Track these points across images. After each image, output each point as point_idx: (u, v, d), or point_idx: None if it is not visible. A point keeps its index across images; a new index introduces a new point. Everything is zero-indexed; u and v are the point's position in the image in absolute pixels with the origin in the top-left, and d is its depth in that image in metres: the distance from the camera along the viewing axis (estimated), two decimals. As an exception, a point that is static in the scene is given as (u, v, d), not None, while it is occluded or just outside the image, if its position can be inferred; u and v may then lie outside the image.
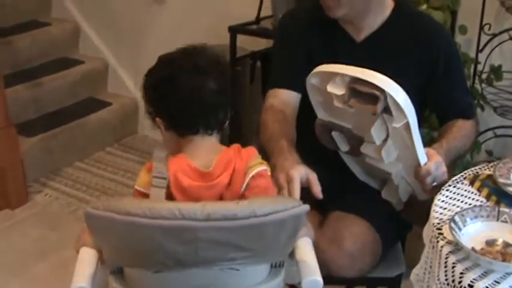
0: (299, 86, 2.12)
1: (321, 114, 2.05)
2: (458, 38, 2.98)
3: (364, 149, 1.96)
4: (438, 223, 1.70)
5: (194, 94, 1.62)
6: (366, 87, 1.81)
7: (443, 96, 2.18)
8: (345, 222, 2.09)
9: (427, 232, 1.74)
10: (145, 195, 1.65)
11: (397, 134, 1.84)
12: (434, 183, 1.89)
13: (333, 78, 1.91)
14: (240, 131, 3.21)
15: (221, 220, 1.38)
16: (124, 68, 4.64)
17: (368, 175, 2.18)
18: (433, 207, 1.78)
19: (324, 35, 2.19)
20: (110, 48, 4.71)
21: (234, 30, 3.33)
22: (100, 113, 4.38)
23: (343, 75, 1.87)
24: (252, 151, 1.72)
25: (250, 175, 1.67)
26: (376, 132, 1.87)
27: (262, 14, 3.49)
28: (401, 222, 2.21)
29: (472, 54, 3.00)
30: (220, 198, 1.65)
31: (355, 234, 2.06)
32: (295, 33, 2.26)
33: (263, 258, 1.60)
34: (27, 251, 3.33)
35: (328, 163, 2.12)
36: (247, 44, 3.52)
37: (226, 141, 1.79)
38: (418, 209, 2.08)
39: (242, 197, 1.66)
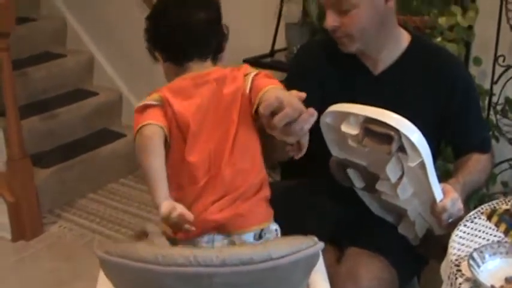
0: None
1: (336, 152, 2.05)
2: (473, 70, 2.98)
3: (380, 186, 1.96)
4: (456, 259, 1.69)
5: (183, 24, 1.77)
6: (380, 127, 1.80)
7: (460, 130, 2.18)
8: (361, 259, 2.07)
9: (445, 268, 1.73)
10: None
11: (413, 172, 1.84)
12: (451, 220, 1.88)
13: (347, 117, 1.91)
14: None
15: (237, 265, 1.37)
16: (138, 99, 4.61)
17: (384, 210, 2.17)
18: (451, 243, 1.76)
19: (342, 67, 2.19)
20: (124, 79, 4.73)
21: (249, 63, 3.33)
22: (114, 145, 4.39)
23: (357, 115, 1.87)
24: (246, 66, 1.83)
25: (252, 75, 1.76)
26: (391, 171, 1.86)
27: (277, 47, 3.51)
28: (417, 257, 2.19)
29: (487, 86, 2.99)
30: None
31: (372, 271, 2.04)
32: (307, 65, 2.25)
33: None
34: (42, 282, 3.33)
35: (343, 199, 2.12)
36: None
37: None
38: (434, 244, 2.06)
39: (249, 98, 1.73)
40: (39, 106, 4.35)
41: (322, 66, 2.23)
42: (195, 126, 1.71)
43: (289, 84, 2.29)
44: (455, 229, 1.83)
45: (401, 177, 1.88)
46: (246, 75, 1.78)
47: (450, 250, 1.74)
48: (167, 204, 1.59)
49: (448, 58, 2.23)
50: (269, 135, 1.73)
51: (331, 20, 2.05)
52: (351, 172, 2.03)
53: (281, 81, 1.83)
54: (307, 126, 1.67)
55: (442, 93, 2.13)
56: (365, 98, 2.12)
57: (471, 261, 1.62)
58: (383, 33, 2.10)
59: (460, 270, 1.64)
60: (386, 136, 1.79)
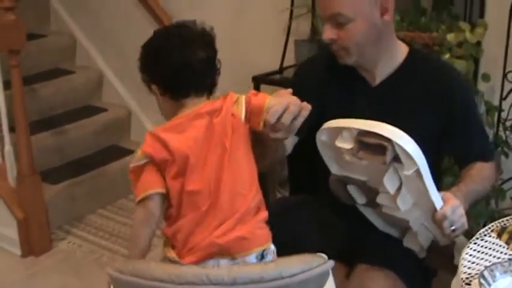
0: (299, 130, 2.04)
1: (335, 170, 2.05)
2: (482, 86, 2.98)
3: (380, 199, 1.96)
4: (467, 278, 1.68)
5: (186, 64, 1.80)
6: (373, 139, 1.82)
7: (461, 140, 2.17)
8: (370, 274, 2.07)
9: (456, 286, 1.72)
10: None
11: (410, 181, 1.84)
12: (453, 227, 1.86)
13: (340, 132, 1.92)
14: (262, 178, 3.20)
15: (248, 284, 1.37)
16: (147, 116, 4.67)
17: (388, 225, 2.17)
18: (461, 261, 1.76)
19: (340, 79, 2.20)
20: (133, 95, 4.74)
21: (258, 80, 3.35)
22: (123, 161, 4.38)
23: (349, 128, 1.88)
24: (230, 93, 1.86)
25: (243, 99, 1.83)
26: (389, 182, 1.87)
27: (286, 64, 3.52)
28: (425, 268, 2.19)
29: (496, 102, 2.99)
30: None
31: (381, 286, 2.04)
32: (308, 79, 2.27)
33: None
34: (51, 299, 3.34)
35: (350, 215, 2.12)
36: (270, 93, 3.54)
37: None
38: (441, 255, 2.06)
39: (246, 121, 1.81)
40: (49, 122, 4.37)
41: (321, 81, 2.24)
42: (193, 158, 1.76)
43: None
44: (466, 247, 1.83)
45: (400, 188, 1.88)
46: (235, 102, 1.84)
47: (461, 268, 1.73)
48: None
49: (446, 69, 2.23)
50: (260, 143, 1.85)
51: (328, 33, 2.07)
52: (351, 189, 2.04)
53: None
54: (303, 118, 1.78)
55: (440, 105, 2.12)
56: (363, 110, 2.13)
57: (482, 280, 1.61)
58: (379, 46, 2.11)
59: (470, 289, 1.64)
60: (380, 147, 1.81)
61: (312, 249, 1.66)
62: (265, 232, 1.85)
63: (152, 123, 4.62)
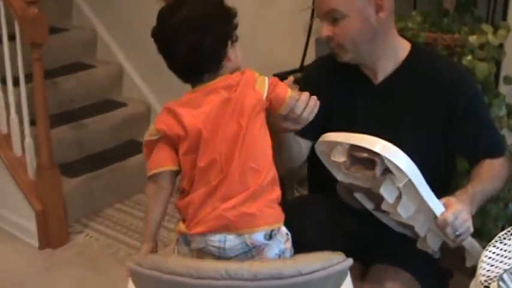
0: (310, 133, 2.12)
1: (340, 177, 2.06)
2: (503, 89, 2.96)
3: (384, 206, 1.95)
4: (486, 280, 1.68)
5: (197, 49, 1.79)
6: (362, 153, 1.83)
7: (467, 136, 2.15)
8: (385, 275, 2.07)
9: (474, 289, 1.72)
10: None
11: (408, 189, 1.83)
12: (457, 233, 1.86)
13: (335, 146, 1.94)
14: (281, 178, 3.20)
15: (267, 279, 1.38)
16: (167, 111, 4.67)
17: (401, 226, 2.17)
18: (480, 264, 1.75)
19: (345, 79, 2.21)
20: (153, 90, 4.75)
21: (278, 78, 3.34)
22: (141, 156, 4.37)
23: (341, 143, 1.91)
24: (247, 70, 1.87)
25: (266, 81, 1.85)
26: (386, 192, 1.86)
27: (306, 62, 3.51)
28: (441, 270, 2.19)
29: (517, 105, 2.98)
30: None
31: (397, 287, 2.04)
32: (313, 83, 2.28)
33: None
34: (67, 291, 3.35)
35: (364, 217, 2.12)
36: (290, 90, 3.54)
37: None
38: (453, 255, 2.05)
39: (266, 102, 1.83)
40: (69, 116, 4.40)
41: (326, 83, 2.25)
42: (206, 133, 1.77)
43: None
44: (485, 250, 1.82)
45: (400, 196, 1.87)
46: (256, 79, 1.85)
47: (479, 271, 1.72)
48: (147, 249, 1.89)
49: (448, 66, 2.23)
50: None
51: (324, 30, 2.09)
52: (358, 195, 2.04)
53: None
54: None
55: (443, 101, 2.12)
56: (366, 109, 2.14)
57: (501, 283, 1.61)
58: (376, 43, 2.11)
59: (489, 292, 1.63)
60: (370, 161, 1.81)
61: (326, 248, 1.66)
62: (276, 212, 1.84)
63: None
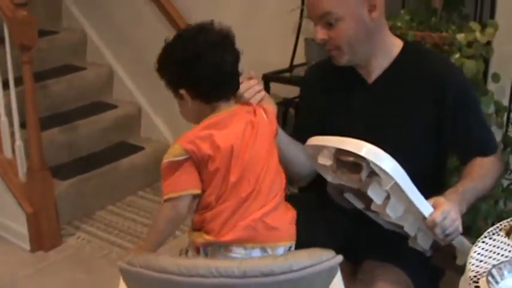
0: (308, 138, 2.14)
1: (330, 179, 2.06)
2: (491, 86, 2.98)
3: (373, 207, 1.96)
4: (475, 276, 1.68)
5: (217, 66, 1.84)
6: (348, 157, 1.84)
7: (459, 133, 2.15)
8: (377, 272, 2.08)
9: (464, 285, 1.72)
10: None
11: (396, 191, 1.84)
12: (446, 232, 1.87)
13: (321, 150, 1.96)
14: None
15: (258, 277, 1.38)
16: (157, 113, 4.70)
17: (393, 226, 2.17)
18: (469, 260, 1.76)
19: (339, 81, 2.23)
20: (143, 92, 4.76)
21: (268, 78, 3.36)
22: (132, 157, 4.41)
23: (327, 147, 1.92)
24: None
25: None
26: (374, 194, 1.87)
27: (296, 62, 3.53)
28: (433, 268, 2.19)
29: (505, 103, 2.99)
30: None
31: (388, 284, 2.04)
32: (311, 88, 2.33)
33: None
34: (60, 294, 3.35)
35: (355, 215, 2.12)
36: (280, 91, 3.55)
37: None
38: (444, 253, 2.06)
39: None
40: (59, 118, 4.39)
41: (323, 86, 2.28)
42: (237, 151, 1.83)
43: (301, 106, 2.41)
44: (474, 245, 1.83)
45: (388, 197, 1.88)
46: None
47: (469, 266, 1.73)
48: None
49: (440, 62, 2.23)
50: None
51: (319, 34, 2.10)
52: (348, 195, 2.05)
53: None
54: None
55: (434, 97, 2.12)
56: (361, 108, 2.15)
57: (490, 278, 1.62)
58: (371, 42, 2.12)
59: (478, 287, 1.63)
60: (356, 164, 1.82)
61: (317, 246, 1.66)
62: (294, 229, 1.93)
63: (162, 120, 4.64)
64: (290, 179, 2.16)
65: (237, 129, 1.85)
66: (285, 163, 2.05)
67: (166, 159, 1.83)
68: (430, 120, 2.13)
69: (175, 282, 1.39)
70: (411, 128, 2.13)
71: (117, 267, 1.60)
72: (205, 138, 1.81)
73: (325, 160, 1.95)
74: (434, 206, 1.85)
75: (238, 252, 1.81)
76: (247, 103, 1.98)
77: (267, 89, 3.40)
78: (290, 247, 1.90)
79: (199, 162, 1.82)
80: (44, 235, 3.73)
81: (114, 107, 4.73)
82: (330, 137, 1.93)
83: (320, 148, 1.96)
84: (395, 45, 2.19)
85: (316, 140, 1.98)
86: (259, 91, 2.06)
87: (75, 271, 3.54)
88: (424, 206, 1.84)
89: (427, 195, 1.88)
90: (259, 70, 3.30)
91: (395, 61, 2.18)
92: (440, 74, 2.15)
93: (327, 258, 1.47)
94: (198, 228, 1.88)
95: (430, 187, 1.93)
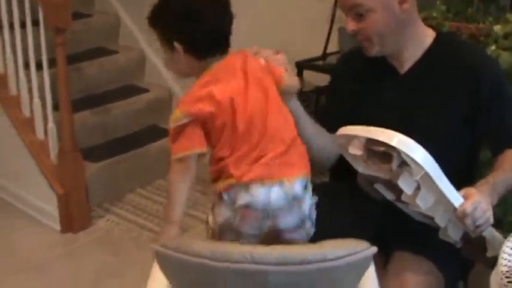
0: (338, 127, 2.15)
1: (361, 169, 2.06)
2: (526, 79, 2.95)
3: (404, 197, 1.95)
4: (507, 271, 1.67)
5: (217, 24, 1.86)
6: (379, 147, 1.83)
7: (492, 124, 2.14)
8: (407, 263, 2.07)
9: (495, 279, 1.72)
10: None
11: (426, 182, 1.83)
12: (477, 223, 1.86)
13: (352, 139, 1.95)
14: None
15: (292, 264, 1.38)
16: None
17: (424, 217, 2.16)
18: (502, 255, 1.75)
19: (371, 71, 2.21)
20: (175, 76, 4.73)
21: (301, 66, 3.35)
22: (163, 141, 4.40)
23: (358, 136, 1.92)
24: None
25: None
26: (404, 184, 1.86)
27: (329, 50, 3.51)
28: (463, 260, 2.18)
29: (541, 96, 2.95)
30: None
31: (418, 275, 2.03)
32: (344, 75, 2.31)
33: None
34: (88, 274, 3.39)
35: (386, 206, 2.12)
36: (313, 78, 3.54)
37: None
38: (475, 245, 2.05)
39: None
40: (91, 101, 4.42)
41: (354, 76, 2.26)
42: (238, 100, 1.83)
43: (329, 93, 2.39)
44: (507, 240, 1.82)
45: (419, 188, 1.87)
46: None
47: (501, 261, 1.72)
48: (175, 232, 1.86)
49: (475, 53, 2.21)
50: None
51: (350, 25, 2.09)
52: (378, 186, 2.04)
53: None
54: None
55: (468, 87, 2.10)
56: (393, 98, 2.14)
57: None
58: (402, 34, 2.11)
59: (511, 282, 1.62)
60: (386, 154, 1.81)
61: (349, 236, 1.65)
62: (308, 162, 1.92)
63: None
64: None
65: (232, 80, 1.86)
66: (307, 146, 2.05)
67: (171, 124, 1.85)
68: (464, 111, 2.12)
69: (209, 267, 1.40)
70: (444, 118, 2.12)
71: (146, 249, 1.62)
72: (204, 98, 1.81)
73: (355, 150, 1.95)
74: (465, 197, 1.84)
75: (258, 191, 1.81)
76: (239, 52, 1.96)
77: (299, 76, 3.39)
78: (307, 179, 1.90)
79: (204, 121, 1.83)
80: (74, 217, 3.77)
81: (146, 90, 4.74)
82: (361, 127, 1.92)
83: (351, 138, 1.96)
84: (428, 36, 2.18)
85: (347, 130, 1.98)
86: (282, 63, 2.03)
87: (104, 253, 3.57)
88: (455, 197, 1.83)
89: (458, 187, 1.87)
90: (292, 57, 3.29)
91: (428, 51, 2.16)
92: (476, 65, 2.13)
93: (362, 249, 1.47)
94: (216, 178, 1.90)
95: (462, 179, 1.92)
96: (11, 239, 3.71)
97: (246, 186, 1.81)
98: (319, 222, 1.96)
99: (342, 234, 1.64)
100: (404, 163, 1.81)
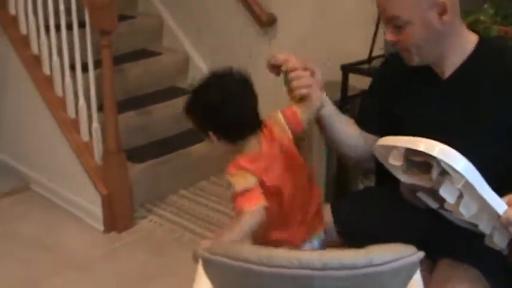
0: (374, 128, 2.24)
1: (403, 179, 2.04)
2: None
3: (447, 206, 1.93)
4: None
5: (242, 113, 1.96)
6: (418, 157, 1.81)
7: None
8: (453, 271, 2.05)
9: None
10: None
11: (468, 189, 1.80)
12: None
13: (391, 150, 1.93)
14: (346, 169, 3.21)
15: (338, 269, 1.38)
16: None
17: (469, 224, 2.14)
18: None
19: (413, 76, 2.17)
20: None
21: (346, 69, 3.33)
22: (205, 143, 4.42)
23: (397, 147, 1.90)
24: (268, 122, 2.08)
25: (278, 114, 2.08)
26: (446, 193, 1.83)
27: (375, 53, 3.49)
28: (510, 268, 2.15)
29: None
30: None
31: (464, 284, 2.01)
32: (385, 83, 2.29)
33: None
34: (131, 274, 3.42)
35: (431, 212, 2.09)
36: (358, 82, 3.52)
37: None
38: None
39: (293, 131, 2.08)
40: (135, 102, 4.46)
41: (396, 81, 2.24)
42: (284, 189, 2.01)
43: (369, 95, 2.39)
44: None
45: (461, 196, 1.85)
46: (276, 125, 2.08)
47: None
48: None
49: None
50: None
51: (389, 36, 2.07)
52: (421, 195, 2.02)
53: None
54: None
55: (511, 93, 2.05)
56: (434, 104, 2.12)
57: None
58: (442, 45, 2.06)
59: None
60: (426, 164, 1.79)
61: (393, 241, 1.64)
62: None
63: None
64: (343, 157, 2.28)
65: (278, 168, 2.02)
66: (336, 145, 2.20)
67: (239, 189, 1.94)
68: (506, 118, 2.08)
69: (255, 272, 1.39)
70: (487, 124, 2.08)
71: (188, 250, 1.64)
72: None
73: (395, 161, 1.93)
74: (509, 204, 1.81)
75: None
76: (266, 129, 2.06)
77: (345, 80, 3.37)
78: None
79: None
80: (118, 217, 3.81)
81: (189, 92, 4.72)
82: (399, 137, 1.90)
83: (390, 148, 1.94)
84: (470, 42, 2.13)
85: (386, 141, 1.96)
86: (307, 86, 2.07)
87: (147, 253, 3.60)
88: (498, 204, 1.80)
89: (501, 193, 1.84)
90: (338, 61, 3.29)
91: (470, 57, 2.12)
92: None
93: (409, 254, 1.46)
94: None
95: (505, 186, 1.89)
96: (55, 239, 3.76)
97: None
98: (364, 225, 1.95)
99: (387, 239, 1.63)
100: (445, 172, 1.79)
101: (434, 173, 1.78)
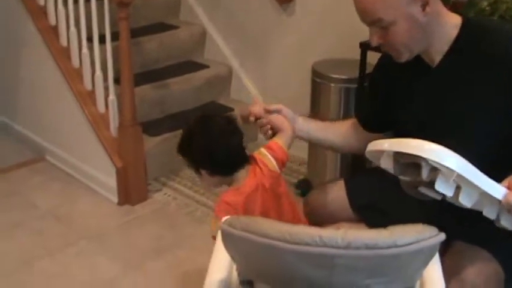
0: (372, 126, 2.38)
1: (400, 177, 2.03)
2: None
3: (448, 198, 1.92)
4: None
5: (230, 150, 2.22)
6: (407, 158, 1.80)
7: None
8: (466, 253, 2.05)
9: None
10: None
11: (463, 180, 1.79)
12: None
13: (381, 154, 1.93)
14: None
15: (361, 249, 1.37)
16: (248, 75, 4.69)
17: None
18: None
19: (404, 68, 2.15)
20: (235, 54, 4.75)
21: (365, 47, 3.31)
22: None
23: (385, 151, 1.90)
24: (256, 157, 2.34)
25: (266, 151, 2.32)
26: (442, 188, 1.81)
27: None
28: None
29: None
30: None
31: (477, 266, 2.01)
32: (385, 68, 2.28)
33: (395, 285, 1.57)
34: (144, 247, 3.44)
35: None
36: (376, 59, 3.50)
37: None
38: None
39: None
40: (151, 75, 4.45)
41: (389, 78, 2.25)
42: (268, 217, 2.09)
43: (368, 86, 2.44)
44: None
45: (459, 187, 1.84)
46: (258, 156, 2.32)
47: None
48: None
49: (501, 35, 2.08)
50: None
51: (374, 38, 2.04)
52: (423, 189, 2.01)
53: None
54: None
55: (499, 74, 1.99)
56: (425, 93, 2.11)
57: None
58: (427, 35, 2.03)
59: None
60: (415, 165, 1.79)
61: (408, 220, 1.63)
62: None
63: (252, 82, 4.64)
64: None
65: (260, 201, 2.25)
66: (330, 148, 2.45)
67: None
68: (498, 100, 2.01)
69: (277, 248, 1.39)
70: (475, 111, 2.04)
71: (202, 224, 1.64)
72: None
73: (386, 164, 1.93)
74: (509, 187, 1.80)
75: None
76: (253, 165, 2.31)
77: (363, 57, 3.35)
78: None
79: None
80: (132, 189, 3.82)
81: (206, 67, 4.75)
82: (386, 140, 1.88)
83: (379, 153, 1.93)
84: (453, 26, 2.07)
85: (373, 145, 1.94)
86: (266, 131, 2.40)
87: (160, 226, 3.62)
88: (496, 190, 1.78)
89: (499, 178, 1.83)
90: (355, 37, 3.26)
91: (455, 42, 2.07)
92: (504, 48, 2.01)
93: (431, 236, 1.45)
94: None
95: (502, 169, 1.88)
96: (69, 210, 3.79)
97: None
98: (381, 202, 1.93)
99: (402, 218, 1.63)
100: (436, 168, 1.78)
101: (424, 172, 1.77)
